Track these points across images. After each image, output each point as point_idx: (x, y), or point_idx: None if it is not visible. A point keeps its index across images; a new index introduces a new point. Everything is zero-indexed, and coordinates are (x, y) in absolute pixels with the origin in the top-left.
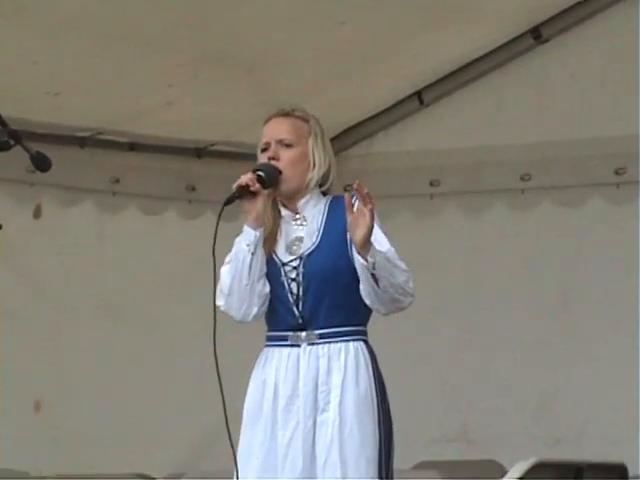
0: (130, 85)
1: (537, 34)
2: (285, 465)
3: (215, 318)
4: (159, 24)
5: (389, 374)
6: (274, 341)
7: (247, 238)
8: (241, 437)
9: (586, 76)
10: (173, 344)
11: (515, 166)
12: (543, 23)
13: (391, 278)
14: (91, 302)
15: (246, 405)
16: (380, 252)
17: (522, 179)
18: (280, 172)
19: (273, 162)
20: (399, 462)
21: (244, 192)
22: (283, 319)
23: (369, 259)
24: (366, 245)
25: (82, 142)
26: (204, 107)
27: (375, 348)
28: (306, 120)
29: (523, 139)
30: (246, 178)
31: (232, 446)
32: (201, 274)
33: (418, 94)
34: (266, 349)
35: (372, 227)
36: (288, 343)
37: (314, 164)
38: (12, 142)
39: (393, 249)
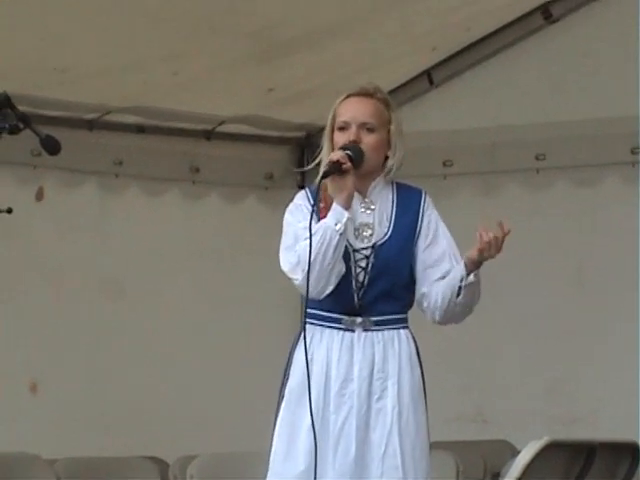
0: (136, 59)
1: (547, 14)
2: (337, 449)
3: (307, 299)
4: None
5: None
6: (325, 321)
7: (336, 217)
8: (283, 414)
9: (598, 55)
10: (174, 322)
11: (529, 146)
12: (552, 2)
13: (471, 297)
14: (92, 282)
15: (290, 383)
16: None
17: (537, 159)
18: (364, 154)
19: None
20: None
21: (336, 169)
22: (340, 302)
23: (466, 279)
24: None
25: (91, 125)
26: (212, 85)
27: None
28: (388, 104)
29: (536, 118)
30: (338, 155)
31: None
32: (203, 252)
33: (428, 74)
34: (312, 327)
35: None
36: (342, 327)
37: (394, 152)
38: (22, 126)
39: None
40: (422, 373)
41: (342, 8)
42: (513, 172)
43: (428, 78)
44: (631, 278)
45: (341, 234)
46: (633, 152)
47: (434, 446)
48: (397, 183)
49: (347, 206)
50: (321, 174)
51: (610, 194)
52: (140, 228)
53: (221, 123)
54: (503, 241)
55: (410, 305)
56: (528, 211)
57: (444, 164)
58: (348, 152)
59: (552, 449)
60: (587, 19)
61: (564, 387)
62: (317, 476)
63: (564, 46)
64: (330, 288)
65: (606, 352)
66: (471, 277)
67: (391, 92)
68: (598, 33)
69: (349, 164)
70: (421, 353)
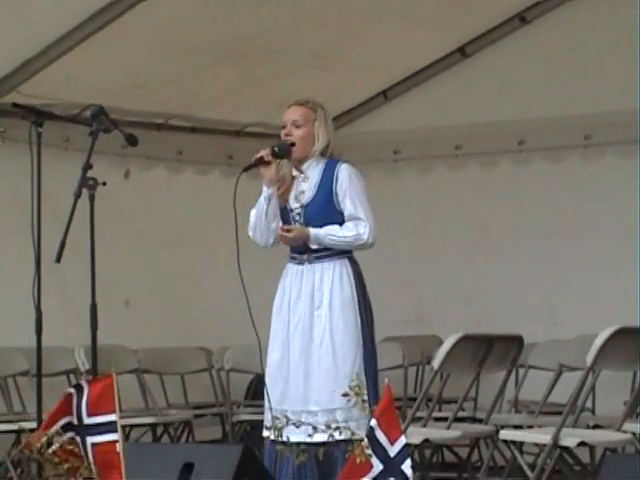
0: (189, 82)
1: (463, 51)
2: (293, 342)
3: (238, 248)
4: (205, 34)
5: (368, 281)
6: (290, 259)
7: (264, 193)
8: (271, 324)
9: (505, 72)
10: (216, 259)
11: (451, 139)
12: (469, 43)
13: (338, 245)
14: (162, 234)
15: (274, 303)
16: (319, 237)
17: (456, 148)
18: (293, 144)
19: (288, 138)
20: None
21: (260, 162)
22: (294, 245)
23: (309, 244)
24: (295, 244)
25: (159, 127)
26: (240, 98)
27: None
28: (314, 110)
29: (457, 121)
30: (262, 152)
31: (255, 328)
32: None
33: (384, 92)
34: (287, 264)
35: (286, 242)
36: (297, 261)
37: (317, 140)
38: (112, 127)
39: (354, 211)
40: (358, 289)
41: (329, 45)
42: (440, 157)
43: (384, 95)
44: (523, 227)
45: (267, 204)
46: (520, 143)
47: (386, 340)
48: (330, 160)
49: (269, 185)
50: (243, 168)
51: (502, 174)
52: (194, 197)
53: (246, 126)
54: (288, 241)
55: None
56: (451, 185)
57: (394, 152)
58: (275, 148)
59: (465, 341)
60: (499, 51)
61: (477, 298)
62: (279, 360)
63: (477, 74)
64: (271, 239)
65: (505, 276)
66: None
67: (359, 105)
68: (506, 62)
69: (270, 157)
70: (377, 275)
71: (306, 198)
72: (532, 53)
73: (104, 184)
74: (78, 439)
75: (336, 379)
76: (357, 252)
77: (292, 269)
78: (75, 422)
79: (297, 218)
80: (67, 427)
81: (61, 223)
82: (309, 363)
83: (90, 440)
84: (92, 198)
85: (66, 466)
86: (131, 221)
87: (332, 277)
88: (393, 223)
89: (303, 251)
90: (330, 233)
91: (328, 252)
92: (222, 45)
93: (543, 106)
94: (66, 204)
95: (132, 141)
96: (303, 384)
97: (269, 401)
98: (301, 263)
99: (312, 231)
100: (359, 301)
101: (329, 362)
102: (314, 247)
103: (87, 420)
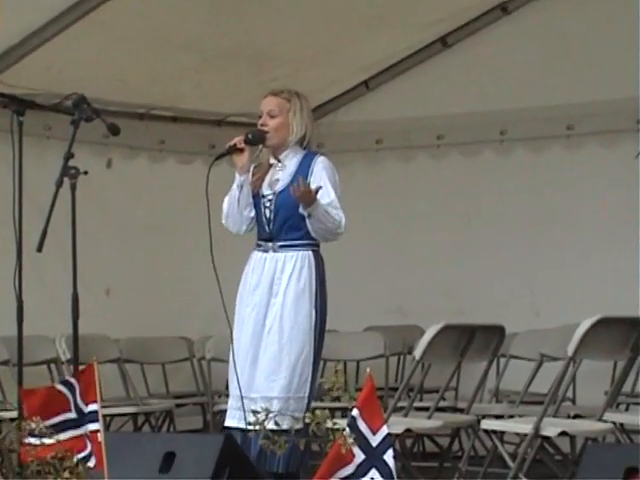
0: (171, 74)
1: (444, 42)
2: (245, 329)
3: (211, 237)
4: (189, 31)
5: (350, 271)
6: (256, 246)
7: (236, 180)
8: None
9: (487, 62)
10: (197, 248)
11: (432, 129)
12: (449, 33)
13: (322, 225)
14: (142, 222)
15: (239, 288)
16: (318, 208)
17: (438, 138)
18: (267, 132)
19: (263, 128)
20: (354, 327)
21: (233, 149)
22: (261, 233)
23: (303, 211)
24: (301, 203)
25: (141, 116)
26: (222, 91)
27: (339, 254)
28: (289, 100)
29: (439, 111)
30: (236, 139)
31: (227, 315)
32: (217, 203)
33: (365, 82)
34: (253, 251)
35: (300, 200)
36: (262, 249)
37: (292, 130)
38: (94, 117)
39: (336, 199)
40: (316, 282)
41: (311, 45)
42: (422, 147)
43: (365, 85)
44: (503, 217)
45: (239, 192)
46: (502, 133)
47: (368, 330)
48: (308, 151)
49: (242, 172)
50: (216, 156)
51: (485, 164)
52: (175, 187)
53: (227, 116)
54: (301, 194)
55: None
56: (432, 174)
57: (376, 142)
58: (249, 135)
59: (446, 331)
60: (480, 41)
61: (459, 288)
62: (235, 341)
63: (454, 68)
64: (244, 227)
65: (487, 266)
66: (305, 211)
67: (341, 94)
68: (482, 54)
69: (243, 145)
70: (359, 265)
71: (279, 186)
72: (513, 43)
73: (86, 173)
74: (81, 431)
75: (278, 368)
76: (340, 240)
77: (256, 256)
78: (75, 416)
79: (268, 204)
80: (66, 423)
81: (42, 212)
82: (257, 350)
83: (89, 427)
84: (74, 187)
85: (49, 456)
86: (113, 210)
87: (292, 267)
88: (375, 212)
89: (270, 238)
90: (327, 208)
91: (294, 242)
92: (205, 37)
93: (525, 96)
94: (47, 193)
95: (114, 130)
96: (249, 371)
97: (239, 388)
98: (265, 251)
99: (319, 198)
100: (316, 295)
101: (274, 350)
102: (280, 237)
103: (86, 409)
